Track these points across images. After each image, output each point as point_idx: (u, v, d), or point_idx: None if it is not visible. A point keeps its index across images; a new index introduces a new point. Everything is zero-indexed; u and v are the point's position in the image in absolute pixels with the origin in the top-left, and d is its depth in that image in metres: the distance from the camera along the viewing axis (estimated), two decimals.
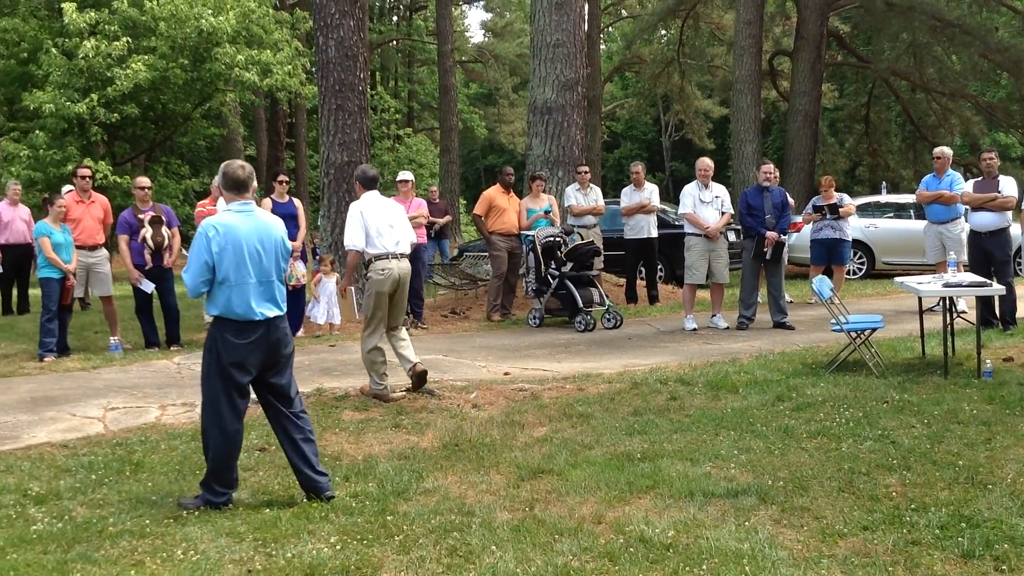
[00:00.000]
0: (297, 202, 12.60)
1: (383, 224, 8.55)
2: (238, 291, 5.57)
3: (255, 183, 5.83)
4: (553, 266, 12.84)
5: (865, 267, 19.54)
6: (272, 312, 5.70)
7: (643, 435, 7.07)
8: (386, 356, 8.61)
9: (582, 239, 13.43)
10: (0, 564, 4.80)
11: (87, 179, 12.50)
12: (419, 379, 8.66)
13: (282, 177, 12.62)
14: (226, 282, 5.57)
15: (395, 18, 53.21)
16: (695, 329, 12.22)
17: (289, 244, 5.92)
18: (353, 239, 8.54)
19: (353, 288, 8.65)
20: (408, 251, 8.76)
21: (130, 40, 23.31)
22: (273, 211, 12.06)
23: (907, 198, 20.08)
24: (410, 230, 8.95)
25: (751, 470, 6.14)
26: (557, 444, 6.93)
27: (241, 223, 5.64)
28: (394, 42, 49.77)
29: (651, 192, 14.80)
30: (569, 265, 12.81)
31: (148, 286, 11.40)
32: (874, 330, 9.27)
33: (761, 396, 8.17)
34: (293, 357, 5.94)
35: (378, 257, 8.51)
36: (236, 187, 5.71)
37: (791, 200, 13.06)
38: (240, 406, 5.70)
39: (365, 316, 8.78)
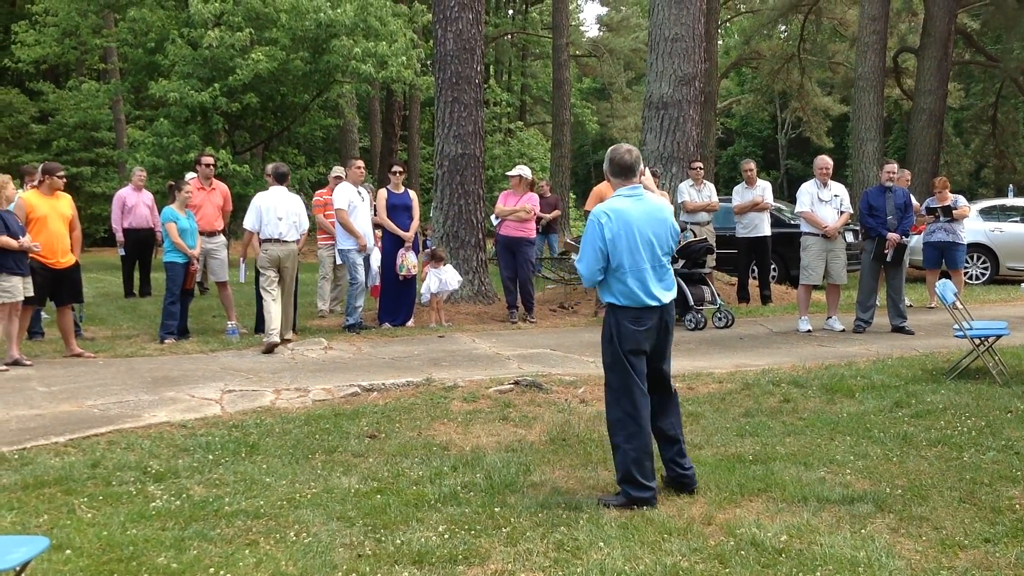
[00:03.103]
0: (412, 193, 12.73)
1: (273, 215, 10.90)
2: (634, 277, 5.50)
3: (641, 166, 5.75)
4: None
5: (989, 272, 18.88)
6: (667, 297, 5.61)
7: (755, 437, 6.95)
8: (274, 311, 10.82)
9: (695, 236, 13.26)
10: (120, 539, 4.95)
11: (211, 167, 12.84)
12: (267, 349, 10.64)
13: (396, 168, 12.74)
14: (620, 268, 5.51)
15: (511, 12, 53.34)
16: (809, 331, 11.96)
17: (678, 226, 5.74)
18: (249, 222, 10.98)
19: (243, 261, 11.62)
20: (294, 239, 11.06)
21: (252, 31, 23.86)
22: (389, 202, 12.24)
23: None
24: (300, 222, 11.16)
25: (868, 477, 5.98)
26: None
27: (632, 207, 5.56)
28: (509, 36, 49.90)
29: (764, 189, 14.55)
30: (681, 262, 12.65)
31: None
32: (999, 337, 8.94)
33: (879, 401, 7.95)
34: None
35: (264, 240, 10.92)
36: (623, 172, 5.64)
37: (915, 201, 12.68)
38: (644, 392, 5.57)
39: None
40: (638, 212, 5.55)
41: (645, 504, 5.45)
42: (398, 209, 12.41)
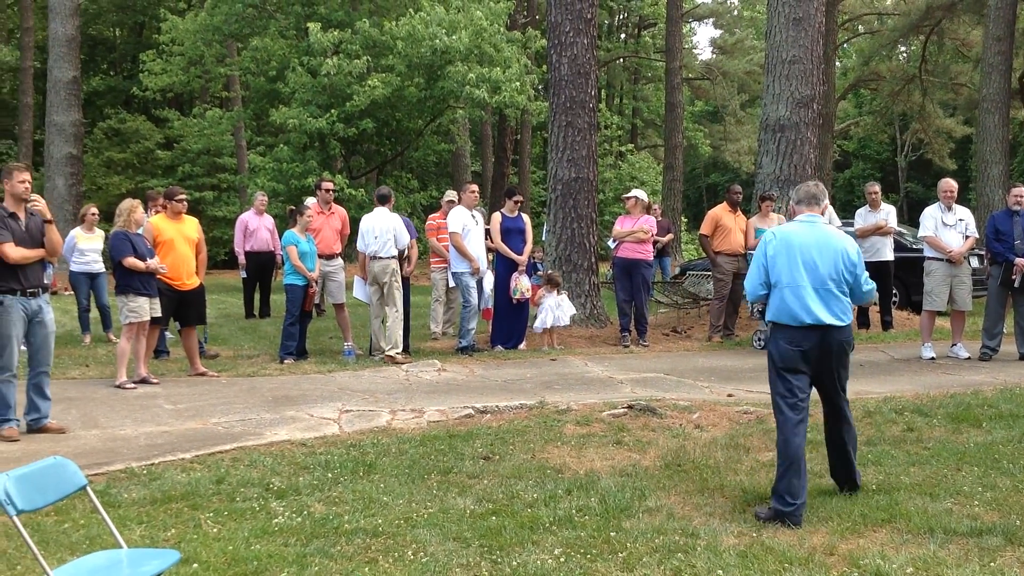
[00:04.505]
0: (525, 217, 12.80)
1: (371, 235, 11.69)
2: (791, 294, 5.79)
3: (825, 201, 6.17)
4: None
5: None
6: (827, 319, 5.76)
7: (877, 466, 6.77)
8: (383, 324, 11.81)
9: None
10: (245, 554, 5.07)
11: (330, 192, 13.10)
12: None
13: (518, 198, 12.80)
14: (778, 284, 5.86)
15: (623, 36, 53.34)
16: (933, 358, 11.62)
17: (854, 256, 5.93)
18: (358, 243, 11.95)
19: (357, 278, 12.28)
20: (389, 255, 11.64)
21: (369, 59, 24.33)
22: (503, 225, 12.34)
23: None
24: (398, 238, 11.69)
25: (997, 509, 5.78)
26: None
27: (800, 231, 5.95)
28: (621, 59, 49.89)
29: (888, 213, 14.18)
30: None
31: None
32: None
33: (1007, 431, 7.67)
34: (848, 368, 6.04)
35: (367, 257, 11.74)
36: (805, 201, 6.09)
37: None
38: (799, 410, 5.82)
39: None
40: (805, 235, 5.89)
41: (787, 518, 5.55)
42: (512, 233, 12.50)
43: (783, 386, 5.82)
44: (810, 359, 5.78)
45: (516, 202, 12.73)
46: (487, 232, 12.81)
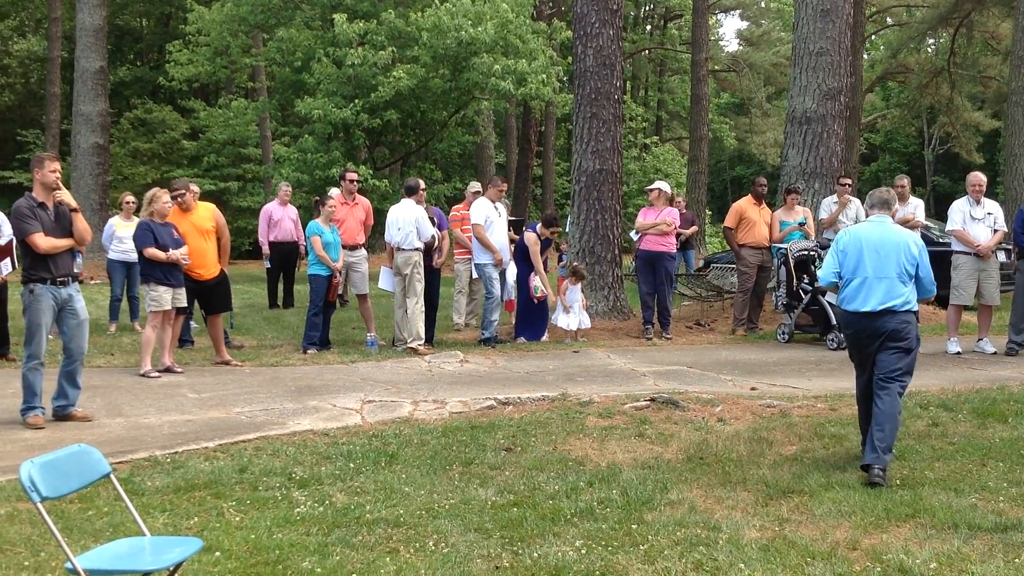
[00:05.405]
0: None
1: (394, 226, 11.66)
2: (856, 282, 6.62)
3: (895, 206, 7.18)
4: (806, 280, 12.41)
5: None
6: (879, 306, 6.50)
7: (902, 461, 6.73)
8: (406, 315, 11.62)
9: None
10: (267, 542, 5.09)
11: (354, 183, 13.11)
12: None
13: (556, 228, 12.97)
14: (846, 275, 6.71)
15: (648, 27, 53.14)
16: (959, 353, 11.53)
17: (915, 251, 6.59)
18: (385, 234, 11.98)
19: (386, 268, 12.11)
20: (411, 247, 11.53)
21: (395, 50, 24.33)
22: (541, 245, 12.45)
23: None
24: (421, 230, 11.55)
25: (1022, 504, 5.75)
26: (808, 464, 6.70)
27: (868, 228, 6.83)
28: (646, 51, 49.71)
29: (916, 207, 14.03)
30: (806, 279, 12.35)
31: None
32: None
33: None
34: (912, 353, 6.61)
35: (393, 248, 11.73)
36: (878, 205, 6.91)
37: None
38: (861, 379, 6.78)
39: None
40: (872, 231, 6.74)
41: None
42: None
43: (854, 362, 6.87)
44: (864, 341, 6.61)
45: (553, 232, 12.81)
46: (511, 223, 12.79)
